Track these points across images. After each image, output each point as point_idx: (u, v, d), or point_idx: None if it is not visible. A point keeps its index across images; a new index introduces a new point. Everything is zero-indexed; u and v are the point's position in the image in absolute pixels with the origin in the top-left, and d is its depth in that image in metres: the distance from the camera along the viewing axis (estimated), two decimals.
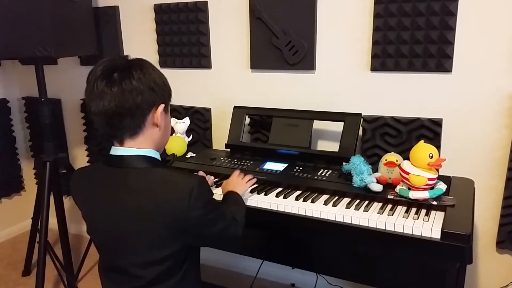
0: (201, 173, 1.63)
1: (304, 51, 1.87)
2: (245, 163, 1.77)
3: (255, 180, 1.53)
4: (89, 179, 1.14)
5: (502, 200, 1.69)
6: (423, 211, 1.34)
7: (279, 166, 1.71)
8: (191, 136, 2.10)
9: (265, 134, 2.03)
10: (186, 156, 1.93)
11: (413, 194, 1.36)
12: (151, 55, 2.27)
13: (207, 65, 2.14)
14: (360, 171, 1.48)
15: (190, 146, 2.05)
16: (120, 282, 1.10)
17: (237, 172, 1.50)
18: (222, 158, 1.86)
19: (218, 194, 1.42)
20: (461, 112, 1.68)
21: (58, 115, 2.68)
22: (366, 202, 1.42)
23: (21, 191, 2.93)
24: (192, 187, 1.01)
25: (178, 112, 2.24)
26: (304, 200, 1.45)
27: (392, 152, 1.58)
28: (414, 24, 1.66)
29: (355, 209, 1.38)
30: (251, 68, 2.03)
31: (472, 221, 1.29)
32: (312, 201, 1.44)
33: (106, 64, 1.04)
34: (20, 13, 1.80)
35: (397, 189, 1.42)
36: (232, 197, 1.36)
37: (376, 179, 1.49)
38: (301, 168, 1.68)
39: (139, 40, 2.31)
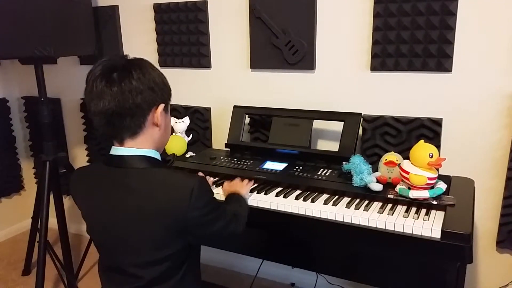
0: (200, 174, 1.63)
1: (304, 51, 1.87)
2: (245, 163, 1.77)
3: (252, 181, 1.55)
4: (89, 179, 1.14)
5: (502, 199, 1.69)
6: (423, 211, 1.34)
7: (279, 166, 1.71)
8: (191, 135, 2.10)
9: (265, 134, 2.03)
10: (186, 156, 1.93)
11: (413, 194, 1.36)
12: (151, 55, 2.27)
13: (207, 65, 2.14)
14: (360, 170, 1.48)
15: (190, 145, 2.05)
16: (120, 282, 1.10)
17: (239, 179, 1.54)
18: (222, 158, 1.86)
19: (218, 193, 1.42)
20: (461, 111, 1.68)
21: (57, 115, 2.68)
22: (366, 202, 1.42)
23: (20, 191, 2.93)
24: (192, 187, 1.01)
25: (178, 111, 2.24)
26: (304, 200, 1.45)
27: (392, 152, 1.58)
28: (414, 24, 1.65)
29: (355, 208, 1.38)
30: (251, 67, 2.03)
31: (472, 220, 1.29)
32: (312, 201, 1.44)
33: (105, 64, 1.04)
34: (19, 12, 1.80)
35: (397, 188, 1.42)
36: (234, 196, 1.38)
37: (376, 179, 1.49)
38: (301, 168, 1.68)
39: (139, 40, 2.30)
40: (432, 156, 1.36)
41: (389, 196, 1.41)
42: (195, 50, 2.14)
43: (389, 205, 1.39)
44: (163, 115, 1.10)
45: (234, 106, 1.98)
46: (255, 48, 1.99)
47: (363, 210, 1.36)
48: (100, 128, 1.06)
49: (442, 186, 1.40)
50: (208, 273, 2.30)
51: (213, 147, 2.23)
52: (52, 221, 2.21)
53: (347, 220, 1.34)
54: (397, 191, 1.42)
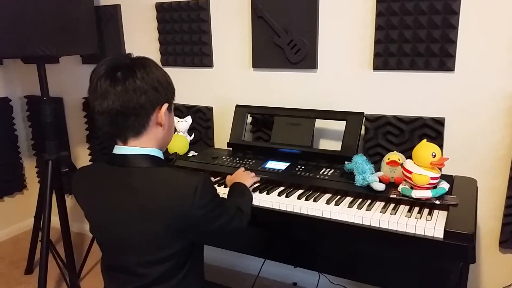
0: None
1: (306, 50, 1.87)
2: (247, 162, 1.77)
3: (259, 178, 1.55)
4: (91, 178, 1.14)
5: (505, 199, 1.69)
6: (426, 211, 1.34)
7: (281, 165, 1.71)
8: (193, 135, 2.10)
9: (267, 133, 2.03)
10: (188, 155, 1.93)
11: (416, 193, 1.36)
12: (153, 54, 2.27)
13: (209, 64, 2.14)
14: (363, 170, 1.47)
15: (192, 145, 2.05)
16: (123, 281, 1.10)
17: (242, 169, 1.55)
18: (224, 157, 1.86)
19: (220, 192, 1.41)
20: (463, 111, 1.68)
21: (60, 114, 2.68)
22: (369, 201, 1.42)
23: (23, 190, 2.94)
24: (196, 185, 1.01)
25: (180, 111, 2.24)
26: (306, 199, 1.45)
27: (395, 151, 1.57)
28: (416, 23, 1.65)
29: (357, 208, 1.38)
30: (253, 67, 2.03)
31: (475, 220, 1.29)
32: (314, 200, 1.44)
33: (109, 63, 1.04)
34: (22, 11, 1.80)
35: (400, 188, 1.42)
36: (238, 187, 1.38)
37: (379, 178, 1.49)
38: (303, 167, 1.68)
39: (141, 39, 2.30)
40: (434, 156, 1.35)
41: (391, 195, 1.41)
42: (197, 49, 2.14)
43: (392, 205, 1.39)
44: (166, 114, 1.10)
45: (236, 106, 1.98)
46: (257, 47, 1.98)
47: (366, 210, 1.36)
48: (103, 127, 1.06)
49: (445, 185, 1.39)
50: (210, 273, 2.29)
51: (215, 146, 2.23)
52: (55, 220, 2.21)
53: (350, 219, 1.34)
54: (400, 190, 1.41)
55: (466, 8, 1.59)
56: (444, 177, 1.45)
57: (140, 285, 1.08)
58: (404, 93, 1.76)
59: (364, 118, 1.74)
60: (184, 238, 1.06)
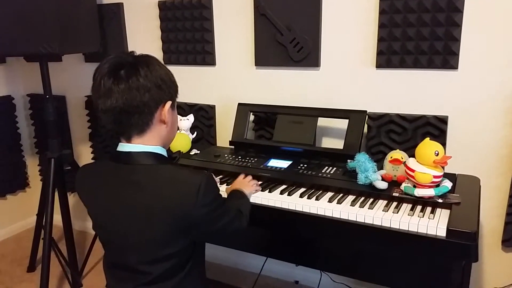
0: None
1: (308, 48, 1.87)
2: (249, 160, 1.77)
3: (260, 188, 1.53)
4: (95, 175, 1.14)
5: (508, 198, 1.68)
6: (429, 209, 1.33)
7: (284, 163, 1.71)
8: (195, 133, 2.10)
9: (269, 131, 2.03)
10: (190, 153, 1.93)
11: (419, 192, 1.36)
12: (156, 52, 2.27)
13: (212, 62, 2.14)
14: (365, 168, 1.47)
15: (194, 143, 2.05)
16: (125, 279, 1.10)
17: (242, 175, 1.54)
18: (226, 155, 1.86)
19: (222, 191, 1.42)
20: (467, 109, 1.67)
21: (62, 112, 2.69)
22: (371, 200, 1.42)
23: (25, 188, 2.94)
24: (199, 184, 1.01)
25: (183, 109, 2.24)
26: (309, 198, 1.45)
27: (398, 150, 1.57)
28: (420, 21, 1.64)
29: (360, 206, 1.37)
30: (256, 65, 2.03)
31: (478, 219, 1.29)
32: (317, 199, 1.44)
33: (112, 61, 1.04)
34: (24, 10, 1.80)
35: (402, 186, 1.42)
36: (237, 193, 1.38)
37: (381, 177, 1.49)
38: (305, 166, 1.68)
39: (144, 37, 2.31)
40: (437, 154, 1.35)
41: (394, 194, 1.41)
42: (200, 47, 2.14)
43: (394, 203, 1.39)
44: (170, 112, 1.10)
45: (239, 104, 1.98)
46: (259, 46, 1.98)
47: (368, 208, 1.36)
48: (107, 125, 1.06)
49: (448, 184, 1.39)
50: (212, 271, 2.30)
51: (218, 144, 2.23)
52: (57, 218, 2.22)
53: (352, 218, 1.34)
54: (402, 189, 1.41)
55: (470, 6, 1.58)
56: (447, 176, 1.45)
57: (142, 283, 1.08)
58: (407, 91, 1.75)
59: (367, 116, 1.73)
60: (186, 236, 1.06)
